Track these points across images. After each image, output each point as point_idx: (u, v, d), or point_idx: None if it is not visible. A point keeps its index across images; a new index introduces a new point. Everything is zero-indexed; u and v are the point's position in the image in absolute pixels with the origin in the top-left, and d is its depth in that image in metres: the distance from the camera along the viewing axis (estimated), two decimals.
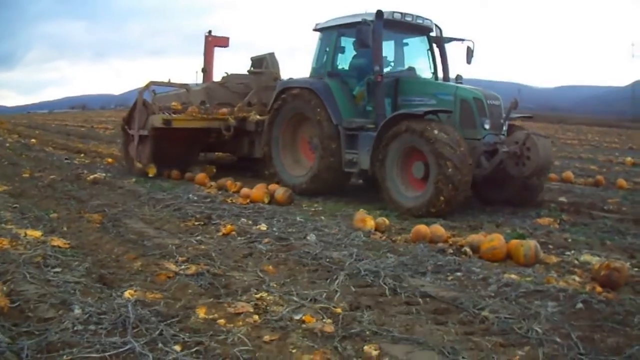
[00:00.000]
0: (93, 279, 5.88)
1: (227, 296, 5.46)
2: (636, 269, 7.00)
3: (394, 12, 11.79)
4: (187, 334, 4.46)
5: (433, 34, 12.88)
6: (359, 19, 11.46)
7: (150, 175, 13.72)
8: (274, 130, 13.03)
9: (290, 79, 13.92)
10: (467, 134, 10.43)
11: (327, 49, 12.76)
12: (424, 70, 12.85)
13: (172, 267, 6.33)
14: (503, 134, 10.88)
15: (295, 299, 5.35)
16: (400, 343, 4.49)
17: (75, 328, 4.45)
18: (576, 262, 7.21)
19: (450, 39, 13.05)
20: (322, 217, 9.61)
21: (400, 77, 11.96)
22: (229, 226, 8.32)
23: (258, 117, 14.38)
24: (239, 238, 7.88)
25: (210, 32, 18.59)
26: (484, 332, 4.81)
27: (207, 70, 18.47)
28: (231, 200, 10.82)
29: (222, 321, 4.78)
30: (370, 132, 11.39)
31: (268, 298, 5.37)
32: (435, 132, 9.88)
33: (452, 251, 7.53)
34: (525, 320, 5.00)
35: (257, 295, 5.43)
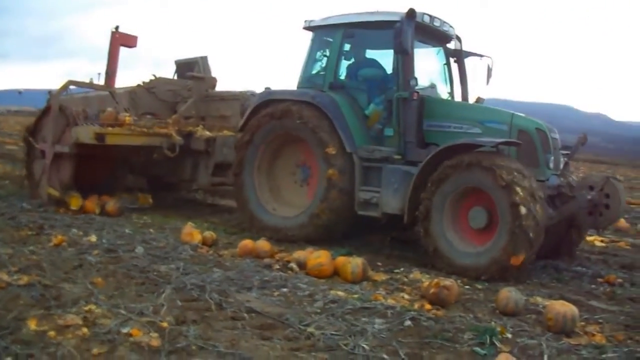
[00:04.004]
0: None
1: (58, 308, 5.26)
2: (467, 287, 6.96)
3: (423, 13, 8.90)
4: (19, 346, 4.33)
5: (451, 45, 10.10)
6: (393, 17, 8.61)
7: (74, 208, 10.07)
8: (248, 155, 9.65)
9: (267, 88, 10.06)
10: None
11: (327, 54, 9.64)
12: (439, 89, 10.02)
13: (5, 277, 6.01)
14: (560, 175, 8.60)
15: (122, 312, 5.22)
16: (226, 358, 4.39)
17: None
18: (405, 279, 7.12)
19: (468, 54, 10.18)
20: (151, 230, 9.33)
21: (426, 97, 8.89)
22: (60, 237, 7.96)
23: (208, 133, 11.15)
24: (69, 249, 7.56)
25: (117, 27, 14.03)
26: (310, 348, 4.69)
27: (110, 73, 14.10)
28: (63, 209, 10.18)
29: (52, 333, 4.64)
30: (397, 164, 8.60)
31: (97, 311, 5.21)
32: (514, 168, 7.46)
33: (278, 267, 7.34)
34: (351, 336, 4.89)
35: (86, 308, 5.26)
